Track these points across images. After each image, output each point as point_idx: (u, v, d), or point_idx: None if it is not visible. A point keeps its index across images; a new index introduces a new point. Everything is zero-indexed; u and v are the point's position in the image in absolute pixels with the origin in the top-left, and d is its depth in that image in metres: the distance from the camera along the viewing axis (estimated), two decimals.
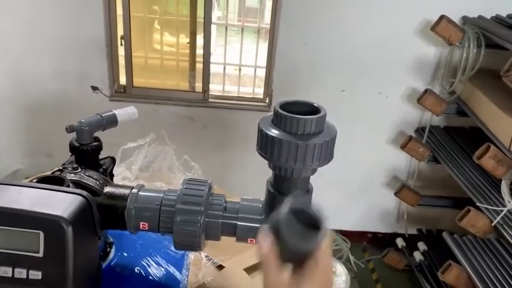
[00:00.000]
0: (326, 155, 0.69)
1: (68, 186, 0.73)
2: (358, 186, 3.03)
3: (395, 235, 3.12)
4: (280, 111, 0.69)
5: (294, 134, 0.68)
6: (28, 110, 2.80)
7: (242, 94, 2.94)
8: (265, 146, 0.70)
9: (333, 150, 0.71)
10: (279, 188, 0.75)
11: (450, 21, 2.35)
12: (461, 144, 2.62)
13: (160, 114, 2.81)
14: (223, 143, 2.89)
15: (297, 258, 0.53)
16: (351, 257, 2.94)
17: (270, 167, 0.74)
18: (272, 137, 0.68)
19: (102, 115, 0.87)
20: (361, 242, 3.19)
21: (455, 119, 2.76)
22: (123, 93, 2.82)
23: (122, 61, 2.76)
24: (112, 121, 0.88)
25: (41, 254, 0.61)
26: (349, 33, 2.61)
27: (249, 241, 0.78)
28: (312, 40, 2.62)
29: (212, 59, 2.78)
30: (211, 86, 2.86)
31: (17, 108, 2.79)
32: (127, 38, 2.69)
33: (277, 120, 0.69)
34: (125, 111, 0.89)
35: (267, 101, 2.79)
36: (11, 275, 0.61)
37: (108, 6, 2.56)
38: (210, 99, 2.83)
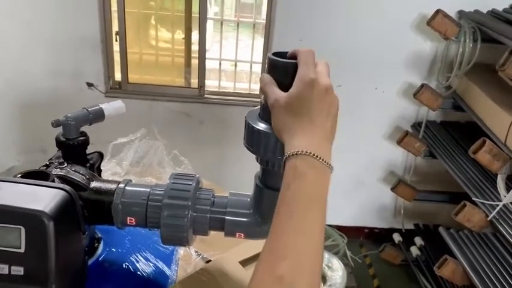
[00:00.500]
0: None
1: (53, 181, 0.73)
2: (354, 182, 3.02)
3: (392, 230, 3.11)
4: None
5: None
6: (23, 107, 2.79)
7: (238, 90, 2.94)
8: (252, 139, 0.69)
9: None
10: (266, 182, 0.74)
11: (446, 16, 2.34)
12: (458, 139, 2.61)
13: (156, 110, 2.80)
14: (219, 138, 2.88)
15: (287, 81, 0.63)
16: (348, 252, 2.94)
17: (257, 161, 0.74)
18: (259, 130, 0.67)
19: (89, 109, 0.86)
20: (358, 237, 3.19)
21: (452, 113, 2.76)
22: (119, 89, 2.81)
23: (117, 57, 2.75)
24: (99, 115, 0.87)
25: (22, 250, 0.60)
26: (344, 29, 2.60)
27: (237, 235, 0.77)
28: (307, 35, 2.61)
29: (209, 55, 2.77)
30: (207, 82, 2.85)
31: (12, 106, 2.78)
32: (122, 34, 2.68)
33: (264, 114, 0.69)
34: (112, 106, 0.88)
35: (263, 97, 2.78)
36: None
37: (102, 2, 2.55)
38: (206, 95, 2.82)
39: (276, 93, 0.63)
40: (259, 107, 0.71)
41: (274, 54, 0.67)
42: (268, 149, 0.67)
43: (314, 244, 0.52)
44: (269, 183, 0.73)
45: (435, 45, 2.61)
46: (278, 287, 0.48)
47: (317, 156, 0.56)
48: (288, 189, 0.55)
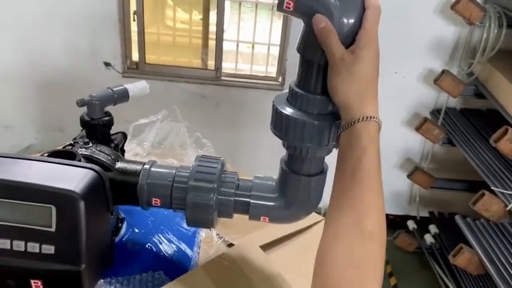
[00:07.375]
0: None
1: (80, 160, 0.73)
2: None
3: (407, 217, 3.09)
4: (296, 89, 0.67)
5: (311, 113, 0.66)
6: (41, 85, 2.80)
7: (255, 72, 2.91)
8: (280, 125, 0.68)
9: None
10: (292, 167, 0.73)
11: (471, 0, 2.28)
12: (478, 127, 2.57)
13: (173, 91, 2.79)
14: (235, 121, 2.87)
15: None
16: None
17: (284, 146, 0.73)
18: (287, 115, 0.66)
19: (114, 89, 0.85)
20: None
21: (473, 101, 2.71)
22: (136, 69, 2.81)
23: (134, 37, 2.74)
24: (123, 96, 0.86)
25: (53, 229, 0.60)
26: None
27: (261, 219, 0.77)
28: None
29: (226, 37, 2.75)
30: (224, 64, 2.83)
31: (30, 84, 2.79)
32: (140, 13, 2.66)
33: (293, 99, 0.67)
34: (136, 86, 0.88)
35: (280, 80, 2.76)
36: (23, 249, 0.61)
37: None
38: (222, 77, 2.81)
39: (342, 50, 0.57)
40: (287, 91, 0.70)
41: None
42: (296, 135, 0.66)
43: (383, 203, 0.59)
44: (295, 168, 0.73)
45: (458, 30, 2.56)
46: (369, 242, 0.54)
47: (381, 122, 0.61)
48: (364, 153, 0.59)
